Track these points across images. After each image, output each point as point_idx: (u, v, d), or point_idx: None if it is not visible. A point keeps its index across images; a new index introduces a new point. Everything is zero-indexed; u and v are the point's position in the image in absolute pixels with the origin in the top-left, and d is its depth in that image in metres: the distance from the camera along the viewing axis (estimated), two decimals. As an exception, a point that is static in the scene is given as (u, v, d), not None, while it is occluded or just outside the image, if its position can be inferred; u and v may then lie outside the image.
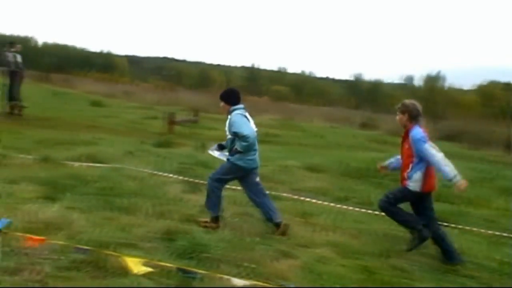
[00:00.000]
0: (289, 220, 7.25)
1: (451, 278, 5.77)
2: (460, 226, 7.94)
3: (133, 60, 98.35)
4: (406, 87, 71.70)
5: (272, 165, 11.98)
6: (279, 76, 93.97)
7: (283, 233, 6.60)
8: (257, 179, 6.93)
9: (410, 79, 74.54)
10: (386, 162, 6.79)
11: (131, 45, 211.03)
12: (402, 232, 6.73)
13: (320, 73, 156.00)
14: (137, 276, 4.62)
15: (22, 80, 17.30)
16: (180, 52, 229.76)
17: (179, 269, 4.80)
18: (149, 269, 4.70)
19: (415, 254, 6.26)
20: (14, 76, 16.76)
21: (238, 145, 6.52)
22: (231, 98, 6.83)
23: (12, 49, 16.81)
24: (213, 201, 6.70)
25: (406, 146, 6.16)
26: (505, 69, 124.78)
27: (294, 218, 7.48)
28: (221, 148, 6.94)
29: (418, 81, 68.56)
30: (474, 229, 7.91)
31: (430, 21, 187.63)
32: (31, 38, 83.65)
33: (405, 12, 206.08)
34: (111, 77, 64.90)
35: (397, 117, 6.29)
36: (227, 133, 6.70)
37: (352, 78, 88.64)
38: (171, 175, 9.40)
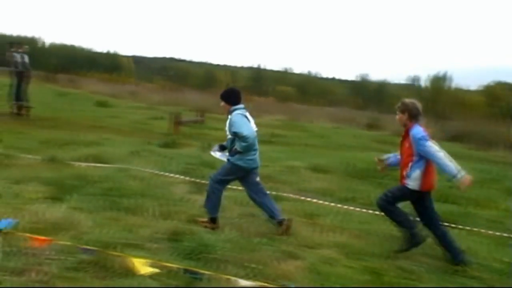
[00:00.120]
0: (294, 221, 7.24)
1: (456, 279, 5.74)
2: (465, 227, 7.90)
3: (139, 61, 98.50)
4: (412, 88, 71.53)
5: (277, 165, 11.97)
6: (285, 76, 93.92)
7: (286, 230, 6.61)
8: (257, 178, 6.94)
9: (416, 79, 74.36)
10: (384, 156, 6.77)
11: (137, 45, 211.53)
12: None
13: (325, 73, 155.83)
14: (143, 277, 4.62)
15: (29, 80, 17.35)
16: (185, 53, 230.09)
17: (185, 270, 4.80)
18: (155, 270, 4.69)
19: (421, 255, 6.25)
20: (21, 76, 16.80)
21: (237, 145, 6.52)
22: (231, 98, 6.82)
23: (20, 50, 16.86)
24: (213, 202, 6.70)
25: (407, 145, 6.14)
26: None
27: (299, 219, 7.46)
28: (222, 149, 6.92)
29: (424, 82, 68.30)
30: (480, 230, 7.87)
31: (437, 21, 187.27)
32: (39, 38, 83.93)
33: (411, 13, 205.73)
34: (116, 77, 64.98)
35: (397, 117, 6.27)
36: (227, 133, 6.70)
37: (357, 79, 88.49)
38: (176, 175, 9.41)
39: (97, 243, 5.27)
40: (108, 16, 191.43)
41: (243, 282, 4.75)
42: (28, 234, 5.22)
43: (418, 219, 6.44)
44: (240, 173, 6.74)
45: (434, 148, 5.92)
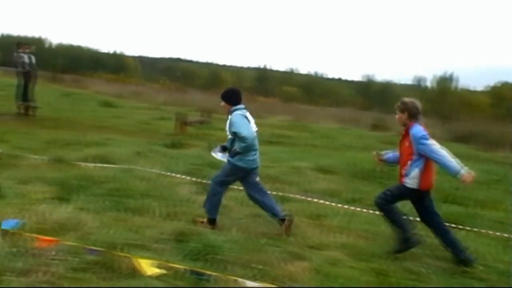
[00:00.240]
0: (299, 222, 7.25)
1: (463, 281, 5.71)
2: (470, 228, 7.87)
3: (144, 61, 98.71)
4: (418, 88, 71.43)
5: (282, 166, 11.97)
6: (290, 77, 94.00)
7: (289, 227, 6.62)
8: (257, 178, 6.95)
9: (421, 80, 74.24)
10: (383, 152, 6.77)
11: (142, 46, 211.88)
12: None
13: (330, 74, 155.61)
14: (149, 278, 4.61)
15: (35, 81, 17.38)
16: (190, 53, 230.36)
17: (191, 271, 4.78)
18: (161, 271, 4.68)
19: (428, 256, 6.24)
20: (29, 77, 16.84)
21: (237, 146, 6.53)
22: (232, 98, 6.82)
23: (27, 50, 16.90)
24: (213, 203, 6.71)
25: (407, 144, 6.14)
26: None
27: (304, 220, 7.46)
28: (224, 149, 6.88)
29: (430, 82, 68.19)
30: (485, 231, 7.84)
31: (443, 22, 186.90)
32: (45, 39, 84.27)
33: (417, 13, 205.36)
34: (122, 77, 65.13)
35: (397, 116, 6.27)
36: (228, 133, 6.70)
37: (363, 79, 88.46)
38: (182, 176, 9.40)
39: (103, 243, 5.26)
40: (114, 16, 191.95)
41: (250, 283, 4.73)
42: (34, 235, 5.22)
43: (418, 219, 6.46)
44: (241, 173, 6.74)
45: (435, 146, 5.92)
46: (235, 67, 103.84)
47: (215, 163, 10.22)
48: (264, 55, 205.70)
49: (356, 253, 6.15)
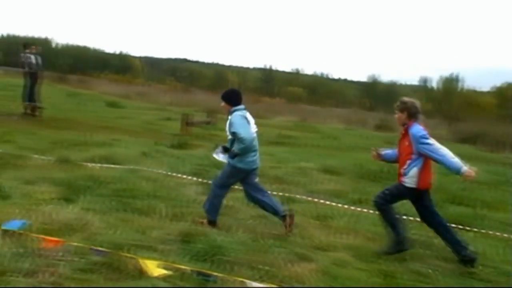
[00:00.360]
0: (305, 222, 7.24)
1: (470, 282, 5.68)
2: (477, 230, 7.83)
3: (149, 61, 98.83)
4: (423, 89, 71.33)
5: (288, 167, 11.95)
6: (294, 77, 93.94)
7: (291, 223, 6.65)
8: (257, 179, 6.96)
9: (427, 80, 74.12)
10: (381, 149, 6.78)
11: (147, 46, 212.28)
12: (424, 237, 6.68)
13: (335, 74, 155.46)
14: (155, 279, 4.60)
15: (41, 81, 17.41)
16: (195, 54, 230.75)
17: (197, 272, 4.77)
18: (167, 272, 4.68)
19: (435, 258, 6.21)
20: (35, 77, 16.87)
21: (235, 147, 6.53)
22: (232, 98, 6.83)
23: (33, 51, 16.92)
24: (214, 205, 6.72)
25: (406, 143, 6.13)
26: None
27: (310, 221, 7.45)
28: (225, 150, 6.86)
29: (436, 83, 68.13)
30: (492, 232, 7.80)
31: (448, 22, 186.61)
32: (51, 39, 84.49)
33: (422, 13, 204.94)
34: (127, 78, 65.24)
35: (396, 116, 6.27)
36: (228, 133, 6.70)
37: (367, 80, 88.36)
38: (188, 177, 9.40)
39: (109, 244, 5.26)
40: (119, 17, 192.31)
41: (256, 285, 4.72)
42: (40, 235, 5.22)
43: (418, 219, 6.47)
44: (241, 174, 6.75)
45: (435, 145, 5.92)
46: (240, 67, 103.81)
47: (221, 164, 10.21)
48: (269, 55, 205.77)
49: (363, 255, 6.12)
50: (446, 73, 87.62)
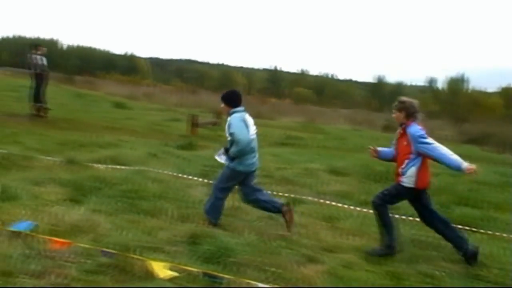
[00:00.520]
0: (312, 224, 7.24)
1: (478, 284, 5.66)
2: (484, 231, 7.78)
3: (155, 62, 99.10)
4: (429, 90, 71.22)
5: (294, 168, 11.93)
6: (301, 78, 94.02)
7: (290, 219, 6.72)
8: (254, 180, 7.02)
9: (433, 81, 74.03)
10: (379, 147, 6.76)
11: (154, 47, 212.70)
12: (431, 238, 6.64)
13: (342, 75, 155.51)
14: (162, 280, 4.60)
15: (47, 82, 17.44)
16: (202, 54, 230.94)
17: (204, 274, 4.77)
18: (175, 274, 4.67)
19: (443, 260, 6.18)
20: (42, 78, 16.90)
21: (232, 149, 6.55)
22: (231, 100, 6.84)
23: (39, 52, 16.96)
24: (216, 208, 6.74)
25: (404, 143, 6.13)
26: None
27: (318, 222, 7.44)
28: (227, 151, 6.86)
29: (442, 84, 68.04)
30: (499, 234, 7.74)
31: (454, 23, 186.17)
32: (57, 40, 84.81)
33: (428, 14, 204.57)
34: (133, 79, 65.38)
35: (394, 115, 6.28)
36: (227, 134, 6.70)
37: (374, 80, 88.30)
38: (195, 178, 9.39)
39: (117, 246, 5.26)
40: (126, 18, 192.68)
41: (263, 286, 4.71)
42: (48, 237, 5.22)
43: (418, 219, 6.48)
44: (241, 177, 6.76)
45: (434, 144, 5.94)
46: (247, 68, 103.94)
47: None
48: (275, 56, 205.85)
49: (370, 256, 6.10)
50: (452, 73, 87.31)
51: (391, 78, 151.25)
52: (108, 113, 22.86)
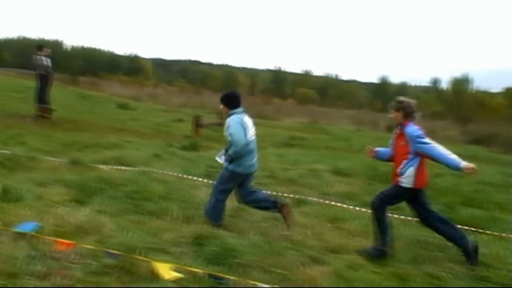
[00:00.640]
0: (317, 225, 7.22)
1: (482, 285, 5.63)
2: (491, 232, 7.76)
3: (159, 63, 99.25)
4: (433, 90, 71.16)
5: (299, 168, 11.92)
6: (305, 78, 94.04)
7: (287, 213, 6.77)
8: (251, 183, 7.02)
9: (437, 81, 73.97)
10: (376, 147, 6.76)
11: (157, 48, 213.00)
12: (438, 239, 6.62)
13: (345, 75, 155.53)
14: (166, 281, 4.59)
15: (51, 83, 17.47)
16: (206, 55, 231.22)
17: (209, 275, 4.75)
18: (179, 275, 4.65)
19: (449, 261, 6.15)
20: (47, 79, 16.93)
21: (230, 150, 6.56)
22: (231, 101, 6.83)
23: (43, 53, 16.98)
24: (218, 210, 6.74)
25: (402, 143, 6.12)
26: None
27: (323, 223, 7.42)
28: (227, 152, 6.88)
29: (445, 84, 68.02)
30: (506, 235, 7.71)
31: (458, 23, 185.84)
32: (62, 42, 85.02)
33: (432, 14, 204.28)
34: (137, 80, 65.48)
35: (392, 115, 6.25)
36: (226, 136, 6.70)
37: (378, 81, 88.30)
38: (199, 178, 9.39)
39: (121, 247, 5.24)
40: (130, 19, 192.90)
41: (268, 287, 4.70)
42: (53, 238, 5.22)
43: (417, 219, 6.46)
44: (240, 178, 6.76)
45: (432, 144, 5.94)
46: (251, 69, 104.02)
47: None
48: (279, 57, 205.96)
49: (376, 257, 6.08)
50: (456, 74, 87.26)
51: (395, 78, 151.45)
52: (112, 114, 22.91)
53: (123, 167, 9.67)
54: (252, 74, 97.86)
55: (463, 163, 5.73)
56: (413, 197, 6.21)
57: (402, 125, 6.13)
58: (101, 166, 9.52)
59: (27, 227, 5.47)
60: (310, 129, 25.72)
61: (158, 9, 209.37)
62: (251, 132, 6.69)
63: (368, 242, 6.66)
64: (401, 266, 5.91)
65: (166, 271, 4.70)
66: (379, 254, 6.09)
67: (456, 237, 6.17)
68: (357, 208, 8.47)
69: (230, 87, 65.40)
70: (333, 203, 8.73)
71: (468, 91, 64.61)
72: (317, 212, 7.99)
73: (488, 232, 7.71)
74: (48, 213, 6.18)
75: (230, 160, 6.60)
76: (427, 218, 6.27)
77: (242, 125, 6.59)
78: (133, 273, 4.74)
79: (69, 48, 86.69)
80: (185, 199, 7.75)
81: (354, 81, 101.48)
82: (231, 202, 7.10)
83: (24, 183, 7.60)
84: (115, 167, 9.65)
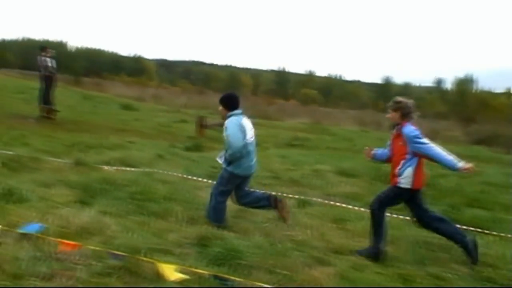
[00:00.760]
0: (322, 226, 7.20)
1: (488, 286, 5.61)
2: (495, 233, 7.74)
3: (163, 64, 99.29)
4: (437, 90, 71.06)
5: (303, 169, 11.92)
6: (308, 79, 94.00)
7: (283, 208, 6.81)
8: (248, 185, 7.07)
9: (441, 82, 73.87)
10: (374, 148, 6.76)
11: (161, 49, 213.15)
12: (443, 240, 6.60)
13: (349, 76, 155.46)
14: (170, 282, 4.57)
15: (55, 84, 17.49)
16: (209, 56, 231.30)
17: (214, 276, 4.74)
18: (184, 276, 4.63)
19: (453, 262, 6.13)
20: (51, 80, 16.96)
21: (227, 152, 6.58)
22: (229, 103, 6.87)
23: (47, 54, 17.01)
24: (219, 211, 6.75)
25: (400, 143, 6.11)
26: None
27: (327, 224, 7.41)
28: None
29: (449, 84, 67.93)
30: (511, 236, 7.70)
31: (462, 23, 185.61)
32: (65, 43, 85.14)
33: (436, 15, 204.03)
34: (141, 80, 65.56)
35: (389, 115, 6.25)
36: (224, 137, 6.70)
37: (382, 81, 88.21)
38: (203, 179, 9.39)
39: (126, 248, 5.23)
40: (133, 20, 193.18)
41: (273, 288, 4.69)
42: (55, 239, 5.21)
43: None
44: (239, 180, 6.79)
45: (430, 144, 5.93)
46: (253, 69, 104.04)
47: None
48: (282, 57, 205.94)
49: (381, 258, 6.07)
50: (459, 74, 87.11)
51: (399, 78, 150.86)
52: (116, 114, 22.93)
53: (127, 168, 9.68)
54: (255, 74, 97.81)
55: (460, 164, 5.75)
56: (411, 197, 6.21)
57: (399, 126, 6.12)
58: (104, 167, 9.53)
59: (31, 228, 5.46)
60: (313, 130, 25.70)
61: (161, 10, 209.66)
62: (250, 133, 6.68)
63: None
64: (405, 267, 5.89)
65: (171, 272, 4.68)
66: (374, 255, 6.06)
67: (457, 235, 6.18)
68: (361, 209, 8.44)
69: (233, 88, 65.46)
70: (336, 203, 8.72)
71: (471, 92, 64.47)
72: (320, 212, 7.98)
73: (493, 233, 7.70)
74: (52, 214, 6.17)
75: (229, 161, 6.60)
76: (425, 218, 6.27)
77: (240, 127, 6.61)
78: (138, 274, 4.73)
79: (73, 49, 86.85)
80: (188, 200, 7.74)
81: (357, 82, 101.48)
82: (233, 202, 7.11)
83: (28, 184, 7.59)
84: (119, 168, 9.65)
